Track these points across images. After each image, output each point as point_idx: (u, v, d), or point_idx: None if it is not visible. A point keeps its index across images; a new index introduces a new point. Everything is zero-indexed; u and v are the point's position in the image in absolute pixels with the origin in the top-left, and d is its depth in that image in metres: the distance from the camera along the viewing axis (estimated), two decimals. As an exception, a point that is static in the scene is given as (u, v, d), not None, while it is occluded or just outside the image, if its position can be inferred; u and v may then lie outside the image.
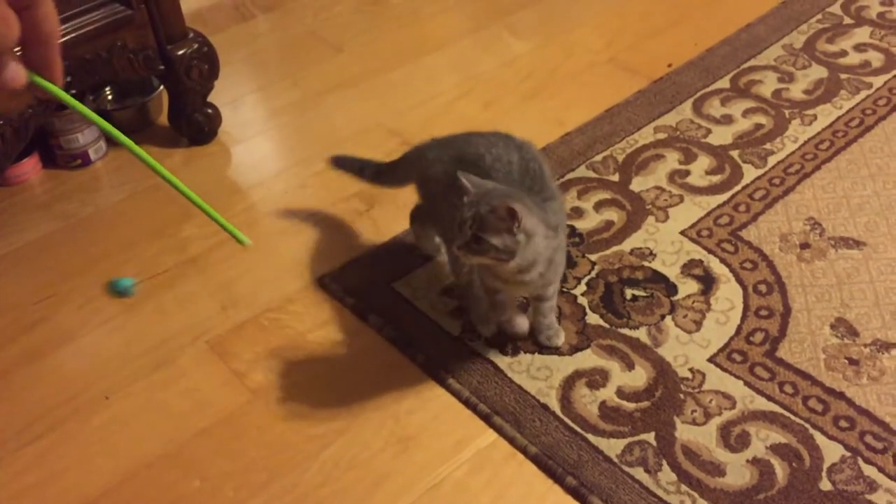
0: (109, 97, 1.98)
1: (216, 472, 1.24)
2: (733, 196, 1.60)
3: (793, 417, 1.23)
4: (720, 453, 1.19)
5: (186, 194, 0.75)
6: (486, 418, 1.26)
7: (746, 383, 1.28)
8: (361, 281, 1.50)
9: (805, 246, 1.49)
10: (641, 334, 1.36)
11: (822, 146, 1.70)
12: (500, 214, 1.12)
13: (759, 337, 1.34)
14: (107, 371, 1.41)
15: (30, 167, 1.80)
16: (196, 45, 1.76)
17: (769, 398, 1.25)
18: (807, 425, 1.22)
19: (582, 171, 1.69)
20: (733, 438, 1.21)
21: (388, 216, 1.65)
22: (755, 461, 1.18)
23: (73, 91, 1.65)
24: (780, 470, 1.17)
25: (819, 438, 1.20)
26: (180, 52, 1.74)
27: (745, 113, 1.81)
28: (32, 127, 1.59)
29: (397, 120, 1.91)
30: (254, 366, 1.38)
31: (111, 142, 1.87)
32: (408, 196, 1.68)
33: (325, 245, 1.60)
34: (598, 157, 1.72)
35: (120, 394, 1.36)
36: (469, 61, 2.11)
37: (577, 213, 1.60)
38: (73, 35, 1.58)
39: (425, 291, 1.47)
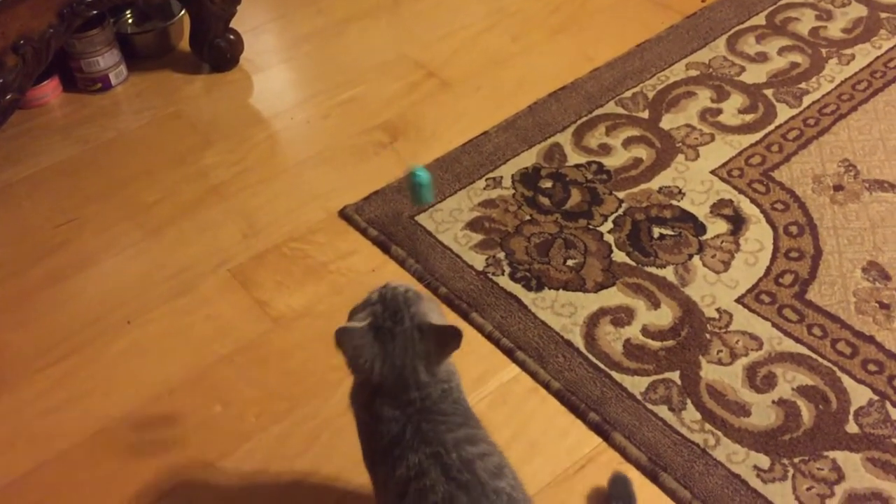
0: (130, 20, 1.94)
1: (238, 398, 1.24)
2: (766, 136, 1.57)
3: (820, 360, 1.21)
4: (746, 394, 1.18)
5: None
6: (508, 353, 1.25)
7: (774, 325, 1.26)
8: (384, 213, 1.48)
9: (839, 188, 1.45)
10: (668, 273, 1.34)
11: (859, 87, 1.65)
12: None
13: (788, 279, 1.32)
14: (129, 296, 1.40)
15: (50, 90, 1.78)
16: (219, -32, 1.72)
17: (797, 340, 1.24)
18: (835, 368, 1.20)
19: (611, 108, 1.65)
20: (759, 379, 1.19)
21: (411, 148, 1.62)
22: (781, 402, 1.17)
23: (94, 12, 1.62)
24: (807, 411, 1.15)
25: (847, 381, 1.18)
26: (202, -25, 1.70)
27: (781, 51, 1.75)
28: (53, 48, 1.56)
29: (423, 51, 1.87)
30: (276, 295, 1.38)
31: (133, 67, 1.84)
32: (434, 127, 1.66)
33: (347, 176, 1.58)
34: (628, 94, 1.68)
35: (142, 319, 1.36)
36: (496, -7, 2.05)
37: (605, 149, 1.57)
38: (94, -47, 1.55)
39: (449, 225, 1.45)
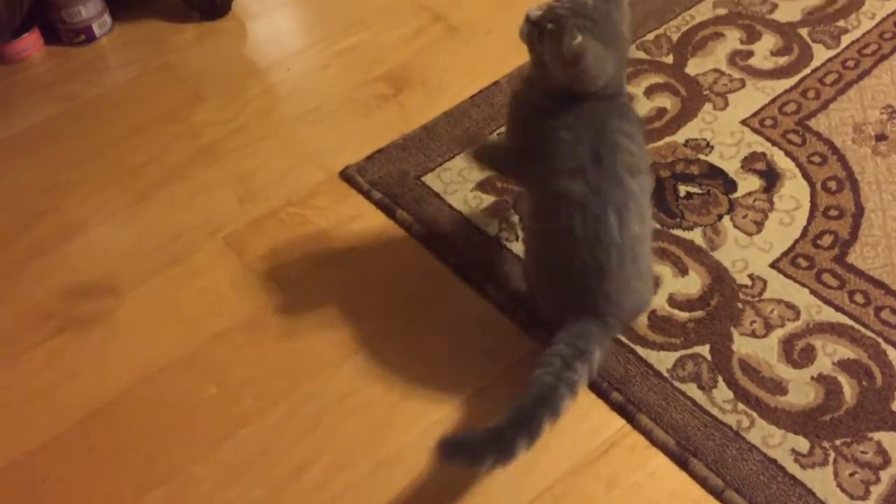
0: (114, -34, 1.82)
1: (234, 378, 1.16)
2: (801, 80, 1.44)
3: (863, 330, 1.11)
4: (782, 369, 1.09)
5: None
6: (524, 327, 1.16)
7: (812, 292, 1.16)
8: (389, 173, 1.38)
9: (881, 137, 1.34)
10: (696, 236, 1.24)
11: (902, 24, 1.52)
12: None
13: (827, 240, 1.22)
14: (118, 267, 1.32)
15: (30, 43, 1.67)
16: None
17: (837, 308, 1.14)
18: (879, 339, 1.10)
19: (631, 52, 1.53)
20: (797, 353, 1.10)
21: (417, 101, 1.51)
22: (821, 378, 1.07)
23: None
24: (849, 388, 1.06)
25: (892, 354, 1.09)
26: (188, -86, 1.57)
27: (817, -15, 1.62)
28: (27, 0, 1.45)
29: (427, -8, 1.74)
30: (273, 265, 1.29)
31: (117, 16, 1.72)
32: (441, 77, 1.54)
33: (349, 133, 1.47)
34: (650, 36, 1.56)
35: (132, 293, 1.28)
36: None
37: (626, 98, 1.45)
38: None
39: (458, 186, 1.35)
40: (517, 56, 1.54)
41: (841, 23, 1.53)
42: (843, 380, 1.07)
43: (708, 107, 1.42)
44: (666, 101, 1.44)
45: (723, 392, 1.07)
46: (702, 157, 1.34)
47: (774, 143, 1.35)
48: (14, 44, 1.64)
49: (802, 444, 1.02)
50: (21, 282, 1.31)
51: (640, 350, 1.12)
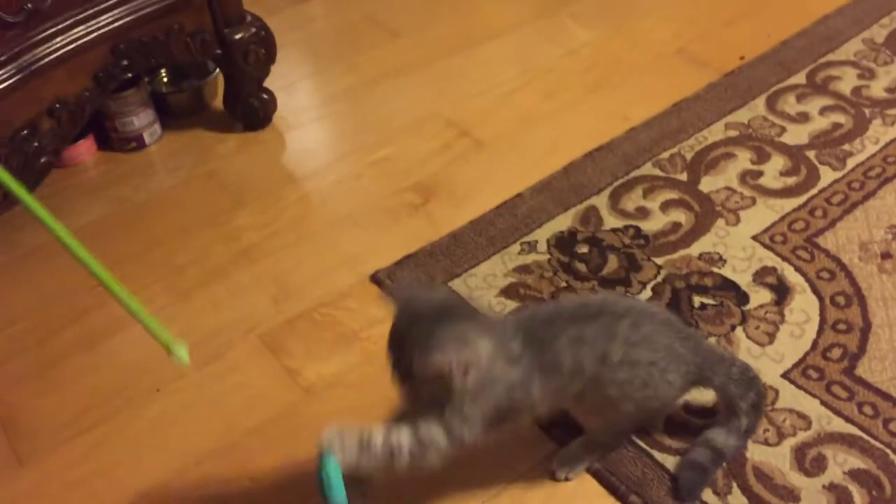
0: (165, 80, 1.96)
1: (267, 472, 1.21)
2: (809, 200, 1.52)
3: (872, 441, 1.16)
4: (794, 477, 1.13)
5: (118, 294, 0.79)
6: (545, 430, 1.21)
7: (823, 402, 1.21)
8: (417, 278, 1.45)
9: (886, 256, 1.41)
10: (710, 345, 1.30)
11: (904, 149, 1.61)
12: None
13: (836, 353, 1.27)
14: (158, 362, 1.36)
15: (84, 149, 1.79)
16: (254, 30, 1.72)
17: (847, 419, 1.18)
18: (887, 450, 1.14)
19: (648, 169, 1.62)
20: (808, 461, 1.14)
21: (444, 210, 1.60)
22: (832, 487, 1.11)
23: (129, 74, 1.63)
24: (859, 498, 1.10)
25: (901, 465, 1.13)
26: (238, 36, 1.71)
27: (823, 111, 1.72)
28: (88, 111, 1.57)
29: (455, 110, 1.85)
30: (306, 363, 1.35)
31: (167, 125, 1.85)
32: (467, 188, 1.64)
33: (379, 239, 1.56)
34: (665, 155, 1.65)
35: (171, 387, 1.34)
36: (529, 50, 2.04)
37: (643, 213, 1.53)
38: (130, 17, 1.56)
39: (483, 291, 1.42)
40: (540, 170, 1.65)
41: (846, 146, 1.63)
42: (854, 489, 1.11)
43: (720, 222, 1.50)
44: (681, 216, 1.52)
45: (737, 498, 1.11)
46: (715, 269, 1.41)
47: (784, 259, 1.42)
48: (69, 150, 1.75)
49: (815, 552, 1.05)
50: (64, 374, 1.38)
51: (656, 454, 1.16)
